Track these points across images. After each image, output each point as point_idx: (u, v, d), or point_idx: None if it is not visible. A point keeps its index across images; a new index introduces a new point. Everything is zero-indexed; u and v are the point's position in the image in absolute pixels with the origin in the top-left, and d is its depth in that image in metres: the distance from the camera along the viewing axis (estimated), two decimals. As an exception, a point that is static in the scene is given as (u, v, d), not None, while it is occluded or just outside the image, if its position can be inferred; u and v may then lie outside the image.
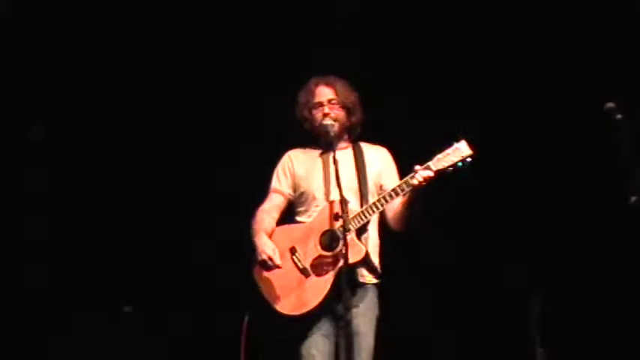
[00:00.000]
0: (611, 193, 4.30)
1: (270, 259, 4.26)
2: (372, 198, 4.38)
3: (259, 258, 4.28)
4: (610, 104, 4.03)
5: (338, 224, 4.19)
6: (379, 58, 5.76)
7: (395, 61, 5.78)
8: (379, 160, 4.52)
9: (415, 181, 4.21)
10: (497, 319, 5.60)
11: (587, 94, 4.77)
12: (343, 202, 4.11)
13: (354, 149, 4.52)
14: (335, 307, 4.22)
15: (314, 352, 4.30)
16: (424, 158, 4.26)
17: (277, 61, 5.69)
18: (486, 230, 5.71)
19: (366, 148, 4.54)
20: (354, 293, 4.27)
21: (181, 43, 5.78)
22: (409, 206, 4.29)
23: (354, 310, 4.25)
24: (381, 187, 4.45)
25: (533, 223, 5.64)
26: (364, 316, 4.33)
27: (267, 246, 4.31)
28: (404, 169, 4.45)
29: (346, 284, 4.13)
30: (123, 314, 5.73)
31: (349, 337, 4.13)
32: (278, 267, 4.27)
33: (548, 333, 5.38)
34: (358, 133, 4.56)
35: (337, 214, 4.18)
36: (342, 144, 4.49)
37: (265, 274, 4.33)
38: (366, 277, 4.38)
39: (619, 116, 4.02)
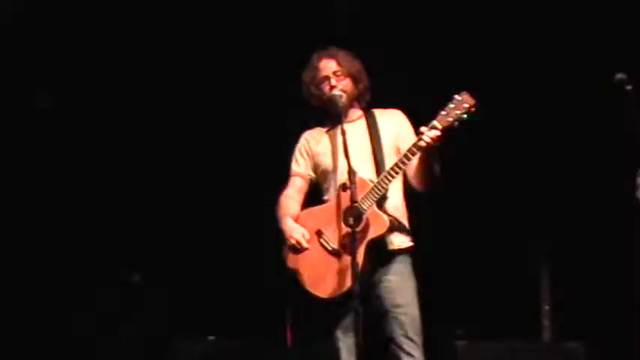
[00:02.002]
0: (621, 163, 4.32)
1: (299, 242, 4.27)
2: (389, 163, 4.29)
3: (288, 243, 4.30)
4: (620, 75, 4.06)
5: (347, 195, 4.11)
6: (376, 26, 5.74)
7: (393, 32, 5.76)
8: (393, 123, 4.45)
9: (423, 143, 4.11)
10: (507, 279, 5.65)
11: (597, 67, 4.75)
12: (351, 172, 4.04)
13: (366, 118, 4.45)
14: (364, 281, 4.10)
15: (340, 337, 4.28)
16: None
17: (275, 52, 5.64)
18: (497, 195, 5.73)
19: (379, 113, 4.48)
20: (382, 265, 4.26)
21: (179, 41, 5.80)
22: (425, 166, 4.22)
23: (386, 286, 4.24)
24: (398, 149, 4.37)
25: (544, 190, 5.68)
26: (401, 289, 4.26)
27: (294, 230, 4.31)
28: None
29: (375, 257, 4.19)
30: (132, 283, 5.72)
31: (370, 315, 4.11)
32: (306, 249, 4.26)
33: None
34: (368, 99, 4.50)
35: (344, 185, 4.14)
36: (354, 114, 4.44)
37: (298, 261, 4.31)
38: (395, 243, 4.29)
39: (629, 87, 4.04)
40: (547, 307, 5.49)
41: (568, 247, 5.58)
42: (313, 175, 4.50)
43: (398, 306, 4.22)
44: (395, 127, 4.44)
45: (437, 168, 4.21)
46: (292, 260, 4.35)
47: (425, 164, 4.19)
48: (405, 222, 4.37)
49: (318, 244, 4.27)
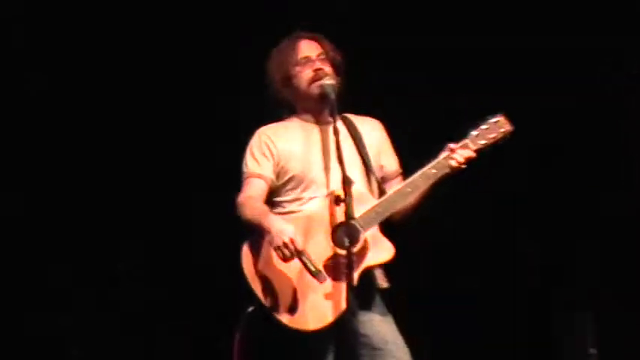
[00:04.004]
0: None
1: (292, 242, 3.46)
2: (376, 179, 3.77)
3: (276, 242, 3.48)
4: None
5: (341, 209, 3.48)
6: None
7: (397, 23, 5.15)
8: (375, 136, 3.84)
9: (454, 163, 3.63)
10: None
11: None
12: (346, 181, 3.42)
13: (343, 121, 3.78)
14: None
15: None
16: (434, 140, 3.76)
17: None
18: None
19: (356, 120, 3.84)
20: (370, 301, 3.67)
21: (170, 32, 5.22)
22: (425, 194, 3.70)
23: (368, 320, 3.64)
24: (381, 167, 3.81)
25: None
26: (385, 323, 3.69)
27: (285, 227, 3.51)
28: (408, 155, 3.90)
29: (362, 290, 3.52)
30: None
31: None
32: (299, 253, 3.49)
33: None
34: (340, 102, 3.80)
35: (338, 197, 3.48)
36: (329, 115, 3.71)
37: (264, 278, 3.58)
38: (379, 279, 3.73)
39: None
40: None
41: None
42: (275, 181, 3.73)
43: (388, 342, 3.65)
44: (378, 140, 3.85)
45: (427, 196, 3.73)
46: (264, 266, 3.57)
47: (425, 194, 3.70)
48: None
49: (299, 261, 3.53)
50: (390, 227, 3.73)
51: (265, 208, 3.64)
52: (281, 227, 3.48)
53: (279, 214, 3.66)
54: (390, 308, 3.74)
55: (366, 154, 3.74)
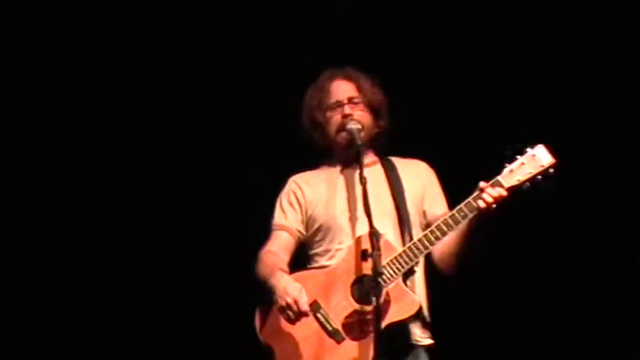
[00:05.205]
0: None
1: (296, 302, 3.28)
2: (414, 228, 3.54)
3: (280, 303, 3.32)
4: None
5: (368, 265, 3.26)
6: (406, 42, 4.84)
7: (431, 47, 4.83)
8: (418, 179, 3.63)
9: (482, 203, 3.27)
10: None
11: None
12: (373, 234, 3.21)
13: (383, 165, 3.64)
14: None
15: None
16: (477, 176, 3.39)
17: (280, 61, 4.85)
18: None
19: (399, 163, 3.67)
20: None
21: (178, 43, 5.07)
22: (467, 239, 3.40)
23: None
24: (424, 213, 3.59)
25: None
26: None
27: (290, 285, 3.34)
28: (451, 193, 3.63)
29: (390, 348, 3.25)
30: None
31: None
32: (305, 315, 3.32)
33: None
34: (383, 145, 3.69)
35: (365, 251, 3.28)
36: (368, 158, 3.58)
37: (279, 336, 3.41)
38: (417, 336, 3.50)
39: None
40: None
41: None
42: (304, 232, 3.60)
43: None
44: (421, 183, 3.63)
45: (481, 241, 3.42)
46: (270, 332, 3.42)
47: (467, 238, 3.40)
48: (426, 309, 3.54)
49: (313, 319, 3.37)
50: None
51: (279, 264, 3.49)
52: (285, 286, 3.33)
53: (315, 267, 3.54)
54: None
55: (403, 201, 3.54)
